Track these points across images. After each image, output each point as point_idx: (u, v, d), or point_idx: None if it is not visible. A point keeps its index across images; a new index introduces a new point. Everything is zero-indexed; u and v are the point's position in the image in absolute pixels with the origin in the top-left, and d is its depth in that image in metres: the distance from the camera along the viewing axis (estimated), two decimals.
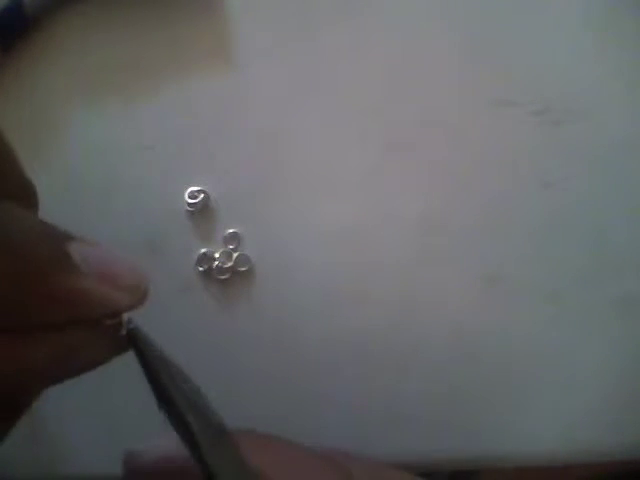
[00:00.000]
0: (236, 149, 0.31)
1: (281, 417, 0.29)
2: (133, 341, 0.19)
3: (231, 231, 0.31)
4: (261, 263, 0.31)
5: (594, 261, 0.31)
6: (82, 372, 0.18)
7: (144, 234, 0.31)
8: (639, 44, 0.31)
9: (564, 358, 0.30)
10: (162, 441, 0.23)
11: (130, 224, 0.31)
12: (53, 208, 0.20)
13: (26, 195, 0.18)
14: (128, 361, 0.19)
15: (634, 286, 0.31)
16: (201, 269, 0.31)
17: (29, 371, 0.16)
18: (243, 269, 0.30)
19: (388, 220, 0.31)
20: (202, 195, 0.31)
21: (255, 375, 0.30)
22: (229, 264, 0.30)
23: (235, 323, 0.31)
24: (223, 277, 0.30)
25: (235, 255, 0.30)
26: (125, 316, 0.19)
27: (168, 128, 0.31)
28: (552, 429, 0.30)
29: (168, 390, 0.18)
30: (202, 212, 0.31)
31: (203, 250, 0.31)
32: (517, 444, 0.31)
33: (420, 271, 0.31)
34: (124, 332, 0.19)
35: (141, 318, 0.19)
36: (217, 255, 0.30)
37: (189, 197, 0.31)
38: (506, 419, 0.31)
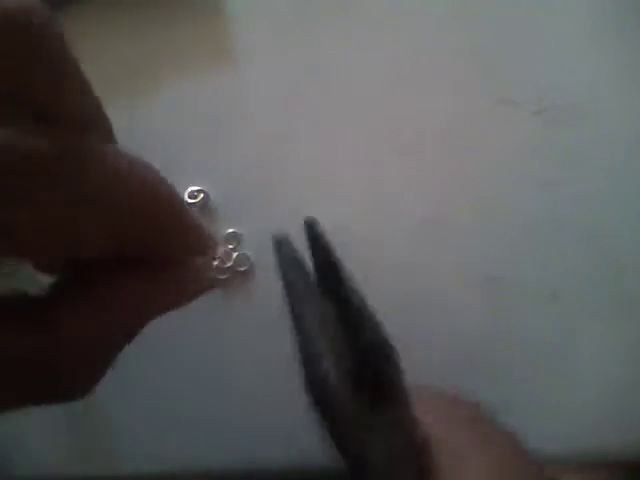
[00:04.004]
0: (236, 149, 0.31)
1: (281, 417, 0.29)
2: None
3: (231, 231, 0.31)
4: (261, 263, 0.31)
5: (594, 261, 0.31)
6: (185, 305, 0.20)
7: None
8: (639, 44, 0.31)
9: (564, 358, 0.30)
10: None
11: None
12: None
13: (109, 130, 0.18)
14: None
15: (634, 286, 0.31)
16: None
17: (161, 305, 0.18)
18: (243, 269, 0.30)
19: (388, 220, 0.31)
20: (202, 195, 0.31)
21: (255, 374, 0.30)
22: (229, 264, 0.30)
23: (235, 323, 0.31)
24: (223, 277, 0.30)
25: (235, 255, 0.30)
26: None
27: (168, 128, 0.31)
28: (552, 429, 0.30)
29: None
30: (202, 212, 0.31)
31: None
32: None
33: (420, 271, 0.31)
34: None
35: None
36: (217, 255, 0.31)
37: (189, 197, 0.31)
38: (506, 419, 0.30)
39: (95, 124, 0.16)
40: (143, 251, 0.17)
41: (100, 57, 0.31)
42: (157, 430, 0.30)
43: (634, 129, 0.31)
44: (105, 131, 0.17)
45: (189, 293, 0.20)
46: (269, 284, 0.31)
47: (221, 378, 0.30)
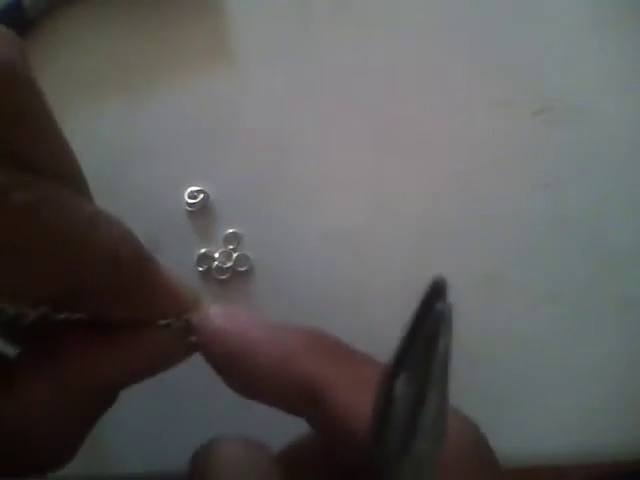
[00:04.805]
0: (236, 149, 0.31)
1: (281, 417, 0.29)
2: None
3: (231, 231, 0.31)
4: (261, 263, 0.31)
5: (594, 261, 0.31)
6: (160, 371, 0.19)
7: (144, 234, 0.30)
8: (639, 44, 0.31)
9: (564, 358, 0.30)
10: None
11: (130, 224, 0.31)
12: None
13: (81, 180, 0.18)
14: None
15: (634, 286, 0.31)
16: (201, 269, 0.31)
17: (130, 371, 0.18)
18: (243, 269, 0.30)
19: (388, 220, 0.31)
20: (202, 195, 0.31)
21: None
22: (229, 264, 0.30)
23: None
24: (223, 277, 0.30)
25: (235, 255, 0.30)
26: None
27: (168, 128, 0.31)
28: (552, 429, 0.30)
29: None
30: (202, 212, 0.31)
31: (203, 250, 0.31)
32: (517, 444, 0.30)
33: (420, 271, 0.31)
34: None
35: None
36: (217, 255, 0.30)
37: (189, 197, 0.31)
38: (506, 419, 0.30)
39: (62, 171, 0.16)
40: (105, 309, 0.17)
41: (99, 57, 0.31)
42: (156, 429, 0.30)
43: (634, 129, 0.31)
44: (73, 179, 0.17)
45: (160, 360, 0.19)
46: (269, 284, 0.31)
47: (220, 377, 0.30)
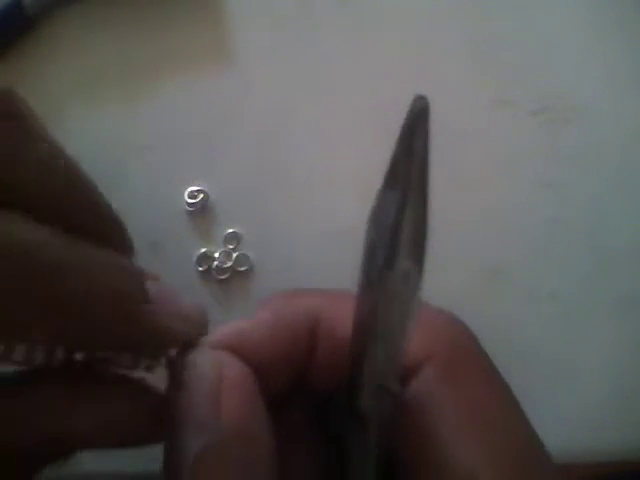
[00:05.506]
0: (236, 149, 0.31)
1: None
2: None
3: (231, 231, 0.31)
4: (261, 263, 0.31)
5: (594, 260, 0.31)
6: (117, 447, 0.18)
7: (144, 234, 0.31)
8: (639, 44, 0.31)
9: (564, 357, 0.30)
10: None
11: (130, 224, 0.31)
12: None
13: (114, 234, 0.19)
14: None
15: (634, 285, 0.31)
16: (201, 269, 0.31)
17: (73, 435, 0.17)
18: (243, 269, 0.30)
19: None
20: (202, 195, 0.31)
21: None
22: (229, 264, 0.30)
23: None
24: (223, 277, 0.30)
25: (235, 255, 0.30)
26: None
27: (168, 128, 0.31)
28: (552, 429, 0.30)
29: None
30: (202, 212, 0.31)
31: (203, 250, 0.31)
32: None
33: None
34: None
35: None
36: (217, 255, 0.30)
37: (189, 197, 0.31)
38: None
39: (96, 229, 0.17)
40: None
41: (98, 57, 0.31)
42: None
43: (634, 129, 0.31)
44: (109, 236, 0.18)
45: (118, 436, 0.18)
46: (269, 284, 0.31)
47: None
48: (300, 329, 0.19)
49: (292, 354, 0.19)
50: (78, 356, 0.18)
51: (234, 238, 0.31)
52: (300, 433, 0.20)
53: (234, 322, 0.19)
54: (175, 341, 0.18)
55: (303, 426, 0.20)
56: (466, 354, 0.18)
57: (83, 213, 0.17)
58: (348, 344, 0.17)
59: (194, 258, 0.31)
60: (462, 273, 0.31)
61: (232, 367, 0.17)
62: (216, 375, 0.17)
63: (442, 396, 0.17)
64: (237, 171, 0.31)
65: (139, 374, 0.19)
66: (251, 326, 0.19)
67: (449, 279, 0.31)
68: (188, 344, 0.19)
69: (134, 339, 0.17)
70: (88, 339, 0.16)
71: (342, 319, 0.18)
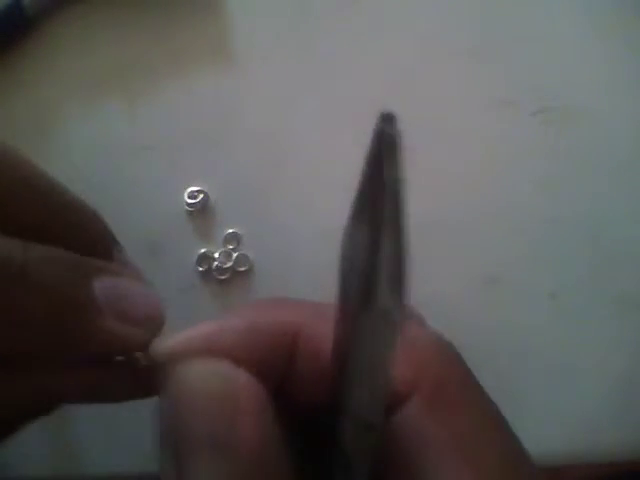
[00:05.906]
0: (236, 149, 0.31)
1: None
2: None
3: (231, 231, 0.31)
4: (261, 263, 0.31)
5: (593, 261, 0.31)
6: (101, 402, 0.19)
7: (144, 234, 0.31)
8: (638, 45, 0.31)
9: (563, 357, 0.30)
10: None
11: (130, 224, 0.31)
12: None
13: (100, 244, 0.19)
14: None
15: (633, 286, 0.31)
16: (201, 269, 0.31)
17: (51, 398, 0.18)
18: (243, 269, 0.30)
19: None
20: (202, 195, 0.31)
21: None
22: (229, 264, 0.30)
23: None
24: (223, 277, 0.30)
25: (235, 255, 0.30)
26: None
27: (168, 128, 0.31)
28: (552, 429, 0.30)
29: None
30: (202, 212, 0.31)
31: (203, 250, 0.31)
32: None
33: (420, 271, 0.30)
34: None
35: None
36: (217, 255, 0.30)
37: (189, 197, 0.31)
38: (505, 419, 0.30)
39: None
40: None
41: (99, 57, 0.31)
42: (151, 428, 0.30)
43: (634, 129, 0.31)
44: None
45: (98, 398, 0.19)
46: (269, 284, 0.31)
47: None
48: (275, 343, 0.17)
49: (263, 368, 0.17)
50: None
51: (234, 238, 0.31)
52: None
53: (201, 325, 0.18)
54: (123, 345, 0.18)
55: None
56: (452, 382, 0.18)
57: (47, 205, 0.18)
58: (329, 364, 0.16)
59: (194, 258, 0.31)
60: (462, 273, 0.31)
61: (247, 386, 0.15)
62: (229, 393, 0.15)
63: (428, 427, 0.16)
64: (237, 171, 0.31)
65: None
66: (219, 331, 0.17)
67: (449, 279, 0.31)
68: (144, 347, 0.18)
69: (69, 344, 0.17)
70: (21, 343, 0.17)
71: (323, 338, 0.16)
